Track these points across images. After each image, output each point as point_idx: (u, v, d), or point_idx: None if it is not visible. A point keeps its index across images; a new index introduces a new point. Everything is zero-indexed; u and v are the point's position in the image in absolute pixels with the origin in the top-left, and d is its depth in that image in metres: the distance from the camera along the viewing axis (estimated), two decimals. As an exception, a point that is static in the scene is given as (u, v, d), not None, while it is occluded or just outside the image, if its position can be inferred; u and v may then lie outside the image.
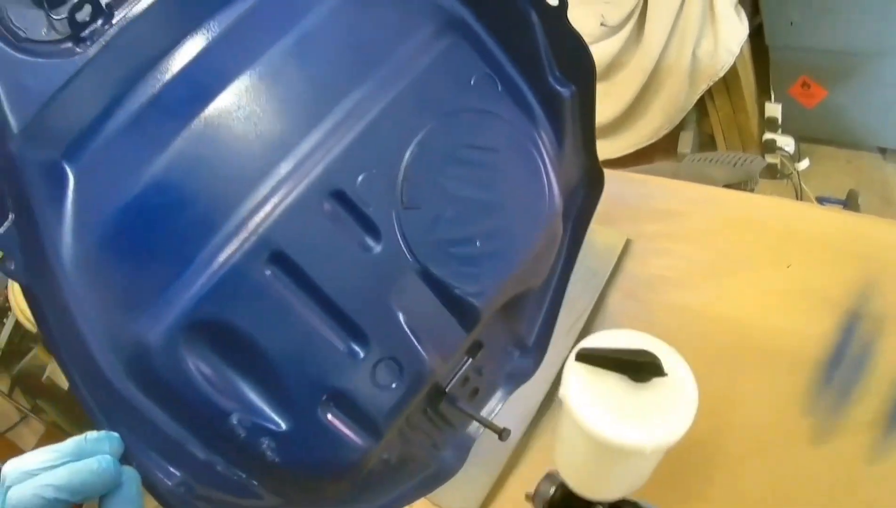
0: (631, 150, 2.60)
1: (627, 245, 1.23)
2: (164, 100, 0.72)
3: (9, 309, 2.85)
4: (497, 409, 0.98)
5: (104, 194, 0.70)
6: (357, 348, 0.75)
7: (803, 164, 2.51)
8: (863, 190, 2.38)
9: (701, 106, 2.57)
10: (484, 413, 0.96)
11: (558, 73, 0.84)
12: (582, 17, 2.35)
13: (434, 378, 0.81)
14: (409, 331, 0.77)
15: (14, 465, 0.58)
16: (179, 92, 0.72)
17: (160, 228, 0.72)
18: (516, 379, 1.00)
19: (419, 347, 0.77)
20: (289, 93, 0.75)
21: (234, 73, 0.74)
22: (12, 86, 0.67)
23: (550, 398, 1.13)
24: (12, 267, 0.68)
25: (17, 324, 2.85)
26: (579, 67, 0.84)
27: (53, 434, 3.14)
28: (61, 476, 0.58)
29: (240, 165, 0.73)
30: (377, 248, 0.75)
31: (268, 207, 0.72)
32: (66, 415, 2.99)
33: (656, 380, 0.59)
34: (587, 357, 0.62)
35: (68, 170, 0.69)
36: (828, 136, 2.57)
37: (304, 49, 0.76)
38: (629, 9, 2.33)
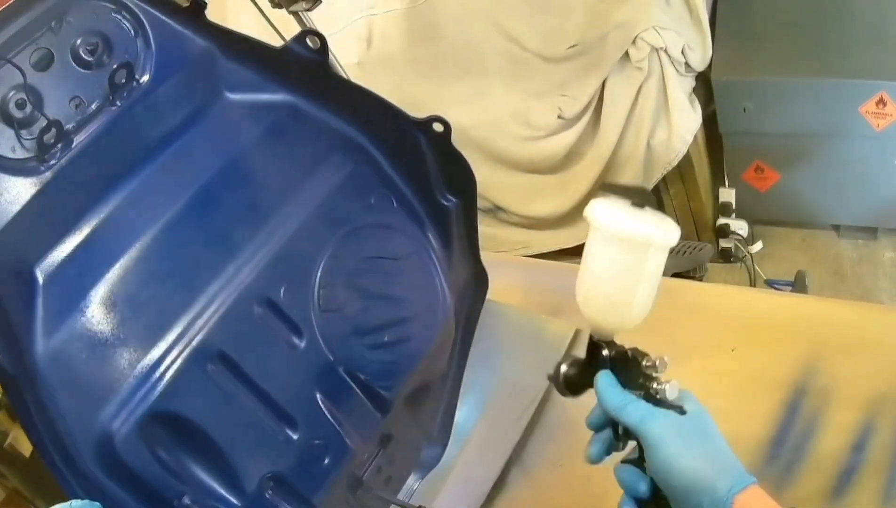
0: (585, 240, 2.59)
1: (577, 335, 1.28)
2: (113, 221, 0.85)
3: None
4: (415, 488, 1.09)
5: (67, 300, 0.82)
6: (289, 433, 0.87)
7: (757, 247, 2.55)
8: (816, 267, 2.49)
9: (655, 194, 2.50)
10: (403, 492, 1.08)
11: (444, 188, 1.00)
12: (539, 110, 2.39)
13: (355, 457, 0.93)
14: (331, 417, 0.89)
15: None
16: (128, 215, 0.85)
17: (117, 332, 0.83)
18: (426, 465, 1.12)
19: (341, 430, 0.90)
20: (219, 218, 0.89)
21: (172, 201, 0.88)
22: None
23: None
24: None
25: None
26: (463, 183, 0.99)
27: (14, 500, 3.20)
28: None
29: (181, 280, 0.86)
30: (301, 345, 0.89)
31: (208, 313, 0.85)
32: (27, 483, 3.04)
33: (648, 211, 0.73)
34: (608, 187, 0.76)
35: (38, 276, 0.81)
36: (781, 218, 2.64)
37: (231, 177, 0.90)
38: (585, 101, 2.38)
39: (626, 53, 2.31)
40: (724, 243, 2.55)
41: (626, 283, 0.76)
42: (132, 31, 0.88)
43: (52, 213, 0.83)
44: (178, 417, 0.83)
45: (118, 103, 0.87)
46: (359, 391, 0.92)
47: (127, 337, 0.84)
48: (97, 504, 0.71)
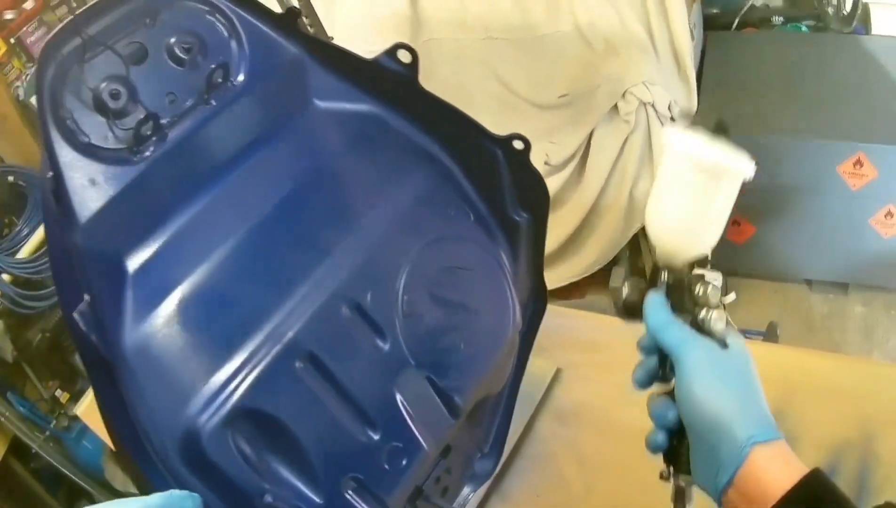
0: (565, 283, 2.69)
1: (557, 373, 1.35)
2: (203, 217, 0.86)
3: None
4: (469, 498, 1.11)
5: (156, 293, 0.83)
6: (371, 434, 0.88)
7: (730, 297, 2.61)
8: (788, 319, 2.57)
9: (634, 242, 2.68)
10: (457, 503, 1.09)
11: (517, 204, 1.03)
12: (526, 155, 2.50)
13: (427, 462, 0.94)
14: (409, 420, 0.91)
15: None
16: (218, 213, 0.87)
17: (205, 327, 0.84)
18: (479, 478, 1.14)
19: (417, 433, 0.91)
20: (307, 222, 0.91)
21: (261, 203, 0.90)
22: (77, 186, 0.78)
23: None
24: (94, 339, 0.78)
25: None
26: (536, 199, 1.03)
27: None
28: None
29: (271, 279, 0.88)
30: (385, 348, 0.90)
31: (298, 313, 0.86)
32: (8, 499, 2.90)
33: (725, 143, 0.74)
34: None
35: (127, 266, 0.82)
36: (756, 270, 2.75)
37: (319, 182, 0.93)
38: (572, 149, 2.48)
39: (615, 105, 2.41)
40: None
41: (698, 207, 0.77)
42: (226, 34, 0.90)
43: (143, 205, 0.84)
44: (265, 415, 0.84)
45: (213, 102, 0.88)
46: (436, 395, 0.93)
47: (216, 332, 0.85)
48: (197, 495, 0.70)
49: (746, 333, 2.39)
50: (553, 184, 2.52)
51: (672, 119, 2.42)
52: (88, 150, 0.81)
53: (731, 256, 2.68)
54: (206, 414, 0.81)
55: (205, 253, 0.86)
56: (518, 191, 1.01)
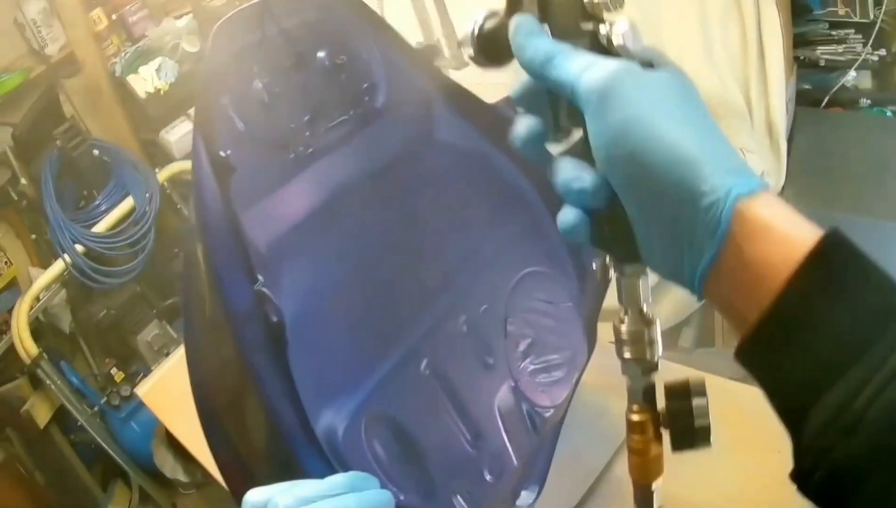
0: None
1: None
2: (338, 224, 0.90)
3: (4, 332, 2.69)
4: None
5: (303, 289, 0.86)
6: (477, 444, 0.94)
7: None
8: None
9: (706, 307, 2.47)
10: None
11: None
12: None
13: (515, 476, 1.00)
14: (504, 434, 0.97)
15: (281, 492, 0.61)
16: (359, 221, 0.92)
17: (346, 327, 0.88)
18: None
19: (510, 448, 0.98)
20: (428, 242, 0.97)
21: (390, 219, 0.95)
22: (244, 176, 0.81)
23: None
24: (275, 320, 0.79)
25: (7, 352, 2.68)
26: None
27: (10, 467, 2.88)
28: (352, 502, 0.62)
29: (400, 289, 0.93)
30: (491, 362, 0.97)
31: (424, 325, 0.93)
32: (30, 451, 2.84)
33: None
34: None
35: (279, 257, 0.84)
36: None
37: (437, 208, 0.99)
38: None
39: None
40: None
41: None
42: (375, 58, 0.97)
43: (292, 202, 0.89)
44: (394, 420, 0.89)
45: (355, 120, 0.94)
46: (525, 413, 1.00)
47: (355, 333, 0.89)
48: (374, 478, 0.68)
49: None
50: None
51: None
52: (242, 139, 0.84)
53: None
54: (343, 413, 0.85)
55: (344, 257, 0.91)
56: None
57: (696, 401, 0.53)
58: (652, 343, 0.56)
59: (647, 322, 0.56)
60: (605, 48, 0.51)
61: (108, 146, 2.91)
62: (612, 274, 0.57)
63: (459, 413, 0.93)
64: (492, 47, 0.59)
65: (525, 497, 1.17)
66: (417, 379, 0.91)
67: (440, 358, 0.93)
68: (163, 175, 2.98)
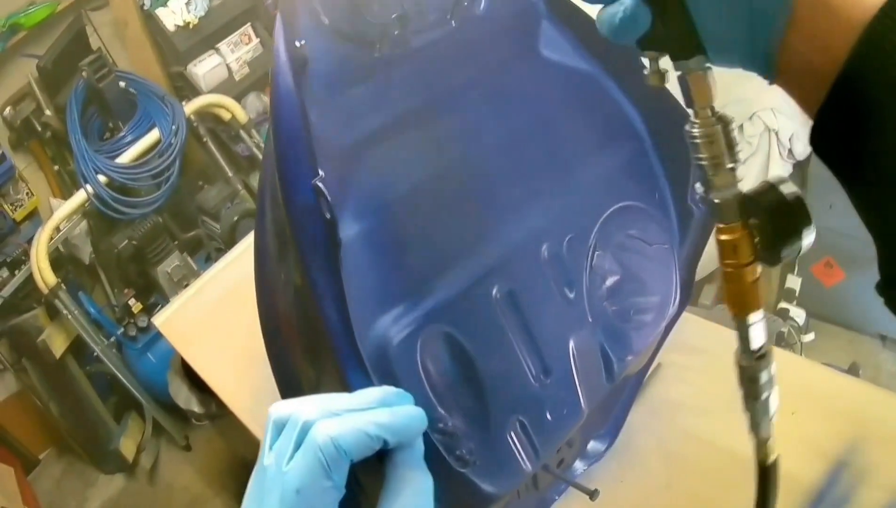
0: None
1: (658, 368, 1.34)
2: (424, 133, 0.87)
3: (23, 262, 2.81)
4: (578, 474, 1.11)
5: (376, 192, 0.82)
6: (544, 380, 0.88)
7: (808, 337, 2.66)
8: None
9: None
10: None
11: (697, 195, 1.05)
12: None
13: (582, 421, 0.94)
14: (576, 375, 0.91)
15: (308, 404, 0.58)
16: (446, 129, 0.88)
17: (416, 238, 0.85)
18: (589, 458, 1.13)
19: (580, 390, 0.91)
20: (522, 161, 0.91)
21: (481, 133, 0.90)
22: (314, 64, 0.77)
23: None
24: (329, 217, 0.74)
25: (25, 282, 2.81)
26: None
27: (26, 397, 3.06)
28: (383, 417, 0.58)
29: (481, 206, 0.88)
30: (571, 297, 0.91)
31: (502, 245, 0.87)
32: (46, 381, 2.94)
33: None
34: None
35: (354, 157, 0.82)
36: (836, 316, 2.81)
37: (535, 126, 0.94)
38: None
39: (741, 126, 2.47)
40: (780, 326, 2.69)
41: None
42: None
43: (375, 102, 0.84)
44: (453, 339, 0.84)
45: (453, 23, 0.89)
46: (600, 356, 0.93)
47: (424, 246, 0.85)
48: (410, 395, 0.65)
49: (829, 366, 2.51)
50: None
51: (790, 151, 2.48)
52: (327, 32, 0.80)
53: (816, 296, 2.74)
54: (400, 324, 0.81)
55: (425, 165, 0.87)
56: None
57: (784, 187, 0.50)
58: (731, 144, 0.53)
59: (723, 121, 0.53)
60: None
61: (135, 78, 2.95)
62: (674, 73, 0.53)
63: (528, 344, 0.87)
64: None
65: (594, 446, 1.12)
66: (487, 302, 0.85)
67: (515, 285, 0.87)
68: (190, 108, 3.00)
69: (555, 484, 1.08)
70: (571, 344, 0.90)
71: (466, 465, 0.82)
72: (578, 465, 1.10)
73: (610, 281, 0.95)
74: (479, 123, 0.90)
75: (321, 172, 0.76)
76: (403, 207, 0.84)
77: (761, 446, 0.65)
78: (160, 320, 1.56)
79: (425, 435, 0.63)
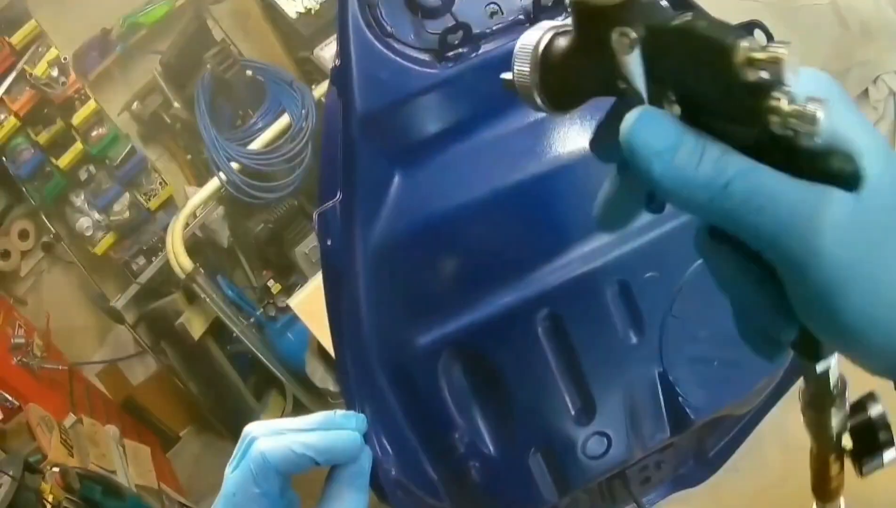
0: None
1: None
2: (503, 146, 0.81)
3: (160, 249, 3.00)
4: (654, 502, 1.04)
5: (418, 207, 0.80)
6: (584, 417, 0.83)
7: None
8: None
9: None
10: (649, 499, 1.03)
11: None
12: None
13: (627, 466, 0.88)
14: (625, 420, 0.84)
15: (263, 424, 0.66)
16: (520, 144, 0.81)
17: (457, 257, 0.82)
18: (681, 483, 1.05)
19: (629, 436, 0.85)
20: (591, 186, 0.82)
21: (559, 148, 0.82)
22: (366, 73, 0.76)
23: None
24: (329, 244, 0.78)
25: (162, 268, 2.98)
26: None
27: (165, 378, 3.28)
28: (312, 438, 0.64)
29: (543, 228, 0.82)
30: (634, 341, 0.83)
31: (559, 271, 0.80)
32: (185, 362, 3.12)
33: None
34: None
35: (395, 171, 0.80)
36: None
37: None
38: None
39: (866, 91, 2.38)
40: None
41: None
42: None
43: (430, 117, 0.80)
44: (484, 358, 0.81)
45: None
46: (664, 405, 0.86)
47: (466, 261, 0.82)
48: (362, 416, 0.69)
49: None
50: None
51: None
52: (388, 44, 0.78)
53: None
54: (426, 335, 0.80)
55: (480, 183, 0.81)
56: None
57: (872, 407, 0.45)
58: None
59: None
60: (786, 139, 0.33)
61: (262, 66, 2.91)
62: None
63: (571, 378, 0.82)
64: (556, 83, 0.43)
65: (688, 471, 1.04)
66: (528, 326, 0.81)
67: (567, 314, 0.81)
68: (318, 91, 2.90)
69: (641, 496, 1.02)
70: (625, 389, 0.84)
71: (475, 476, 0.83)
72: (662, 489, 1.03)
73: (695, 330, 0.84)
74: (544, 142, 0.82)
75: (339, 194, 0.78)
76: (458, 218, 0.81)
77: None
78: (295, 301, 1.63)
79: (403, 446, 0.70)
